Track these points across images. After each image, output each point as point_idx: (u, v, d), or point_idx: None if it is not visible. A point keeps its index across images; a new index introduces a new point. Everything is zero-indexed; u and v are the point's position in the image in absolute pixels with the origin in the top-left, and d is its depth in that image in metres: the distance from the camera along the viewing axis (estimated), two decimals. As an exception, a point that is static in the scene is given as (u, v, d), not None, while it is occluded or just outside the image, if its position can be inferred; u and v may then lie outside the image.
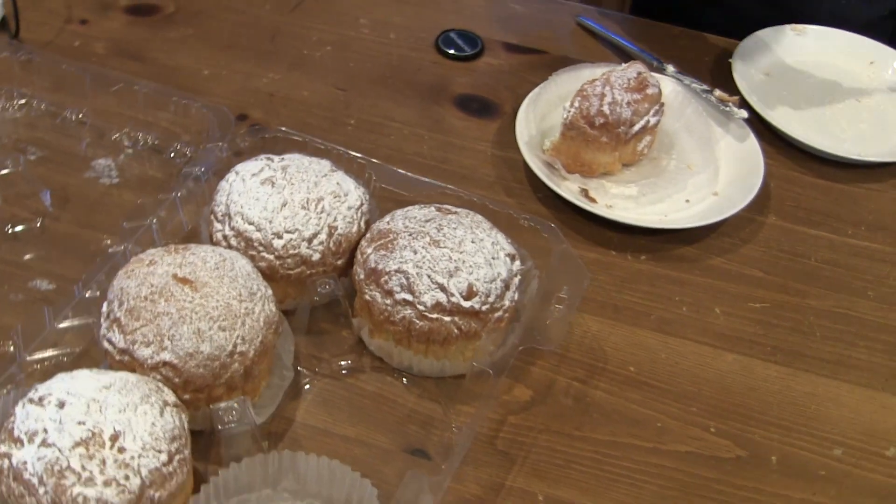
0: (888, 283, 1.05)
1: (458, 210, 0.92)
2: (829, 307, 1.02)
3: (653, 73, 1.10)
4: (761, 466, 0.87)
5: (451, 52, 1.25)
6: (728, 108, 1.14)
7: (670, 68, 1.20)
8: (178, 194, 0.96)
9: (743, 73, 1.22)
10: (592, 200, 1.05)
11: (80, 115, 1.11)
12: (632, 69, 1.07)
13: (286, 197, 0.91)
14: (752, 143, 1.11)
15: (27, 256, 0.98)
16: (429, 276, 0.85)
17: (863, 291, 1.04)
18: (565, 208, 1.06)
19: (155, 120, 1.10)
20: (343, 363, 0.92)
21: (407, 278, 0.86)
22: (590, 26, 1.31)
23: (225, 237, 0.91)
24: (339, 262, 0.92)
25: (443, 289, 0.85)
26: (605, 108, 1.04)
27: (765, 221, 1.09)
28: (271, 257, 0.90)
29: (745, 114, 1.13)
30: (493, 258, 0.87)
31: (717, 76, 1.25)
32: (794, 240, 1.08)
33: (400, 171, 0.99)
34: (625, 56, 1.26)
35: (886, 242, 1.09)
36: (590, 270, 0.98)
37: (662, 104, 1.09)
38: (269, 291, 0.86)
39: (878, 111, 1.24)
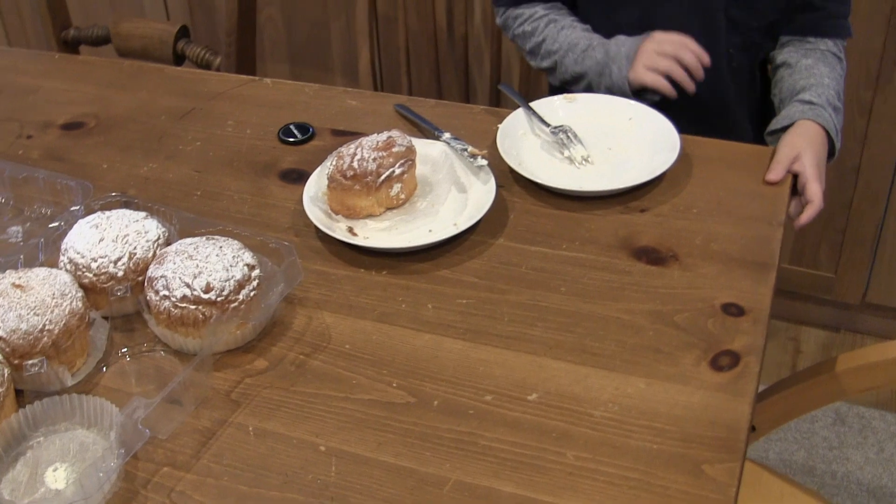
0: (582, 281, 1.30)
1: (220, 238, 1.29)
2: (523, 300, 1.28)
3: (408, 136, 1.44)
4: (424, 407, 1.17)
5: (289, 139, 1.64)
6: (473, 160, 1.47)
7: (446, 135, 1.54)
8: (42, 240, 1.36)
9: (508, 134, 1.55)
10: (354, 235, 1.40)
11: (4, 200, 1.53)
12: (384, 134, 1.43)
13: (103, 234, 1.30)
14: (491, 184, 1.43)
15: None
16: (180, 278, 1.22)
17: (556, 288, 1.30)
18: (336, 242, 1.40)
19: (55, 198, 1.51)
20: (138, 347, 1.29)
21: (166, 280, 1.23)
22: (402, 112, 1.67)
23: (64, 264, 1.30)
24: (140, 279, 1.30)
25: (188, 286, 1.22)
26: (354, 164, 1.40)
27: (494, 243, 1.38)
28: (91, 275, 1.28)
29: (484, 162, 1.45)
30: (232, 266, 1.24)
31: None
32: (513, 254, 1.36)
33: (191, 215, 1.37)
34: (425, 133, 1.62)
35: (592, 252, 1.35)
36: (340, 284, 1.33)
37: (411, 160, 1.44)
38: (80, 294, 1.23)
39: (623, 152, 1.53)
